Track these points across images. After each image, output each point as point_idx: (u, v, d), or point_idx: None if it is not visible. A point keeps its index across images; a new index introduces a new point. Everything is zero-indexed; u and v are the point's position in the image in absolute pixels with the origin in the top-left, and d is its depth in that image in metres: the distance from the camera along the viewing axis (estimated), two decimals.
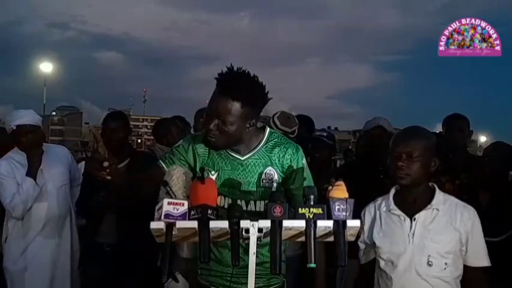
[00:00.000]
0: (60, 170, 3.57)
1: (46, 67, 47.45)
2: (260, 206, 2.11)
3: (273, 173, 2.13)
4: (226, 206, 2.10)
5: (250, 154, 2.14)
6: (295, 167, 2.15)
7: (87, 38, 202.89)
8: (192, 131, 4.41)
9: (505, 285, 2.69)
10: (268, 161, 2.14)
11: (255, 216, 1.82)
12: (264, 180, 2.12)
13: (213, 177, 2.10)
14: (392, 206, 2.19)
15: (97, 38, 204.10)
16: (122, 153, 3.50)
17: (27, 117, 3.48)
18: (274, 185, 2.13)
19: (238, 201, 2.10)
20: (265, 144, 2.16)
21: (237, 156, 2.14)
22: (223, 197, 2.12)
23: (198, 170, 2.10)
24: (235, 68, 2.03)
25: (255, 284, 2.04)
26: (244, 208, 2.09)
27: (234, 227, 1.68)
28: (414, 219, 2.13)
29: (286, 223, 1.67)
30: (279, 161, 2.14)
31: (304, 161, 2.18)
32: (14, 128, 3.43)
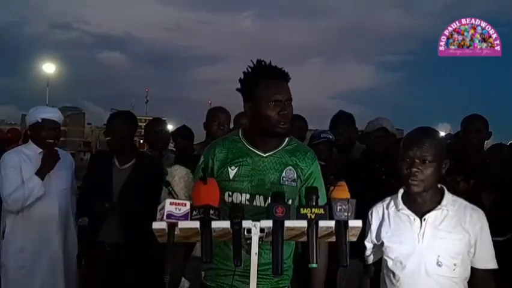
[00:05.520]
0: (65, 173, 3.59)
1: (49, 68, 47.37)
2: None
3: (293, 173, 2.19)
4: (243, 202, 2.14)
5: (271, 153, 2.21)
6: (312, 171, 2.24)
7: (89, 39, 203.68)
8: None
9: (509, 285, 2.69)
10: (289, 161, 2.20)
11: None
12: (284, 178, 2.17)
13: (232, 173, 2.18)
14: (401, 205, 2.17)
15: (100, 39, 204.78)
16: (128, 154, 3.49)
17: (55, 113, 3.55)
18: (294, 184, 2.18)
19: (257, 197, 2.14)
20: (286, 146, 2.24)
21: (259, 152, 2.20)
22: (239, 194, 2.17)
23: (215, 172, 2.19)
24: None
25: (263, 285, 2.09)
26: (263, 204, 2.12)
27: (236, 227, 1.68)
28: (424, 219, 2.11)
29: (288, 223, 1.68)
30: (298, 163, 2.21)
31: (318, 166, 2.29)
32: (40, 121, 3.45)
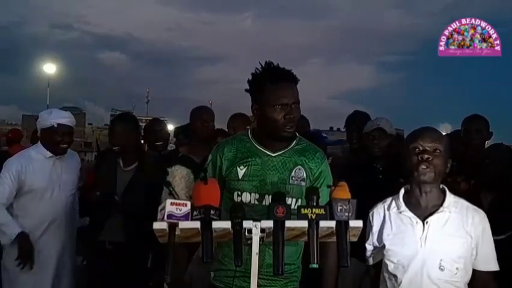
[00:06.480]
0: (72, 177, 3.60)
1: (49, 68, 47.36)
2: (289, 203, 2.10)
3: (303, 173, 2.19)
4: (253, 202, 2.15)
5: (280, 152, 2.20)
6: (322, 171, 2.23)
7: (90, 39, 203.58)
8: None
9: (509, 284, 2.69)
10: (298, 161, 2.20)
11: None
12: (293, 178, 2.17)
13: (241, 173, 2.18)
14: (403, 207, 2.15)
15: (100, 39, 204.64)
16: (132, 155, 3.48)
17: (69, 118, 3.52)
18: (303, 183, 2.17)
19: (266, 197, 2.13)
20: (295, 146, 2.23)
21: (268, 152, 2.20)
22: (248, 193, 2.17)
23: (224, 172, 2.20)
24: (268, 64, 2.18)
25: (272, 286, 2.11)
26: None
27: (237, 227, 1.68)
28: (427, 223, 2.09)
29: (289, 223, 1.67)
30: (308, 163, 2.21)
31: (328, 166, 2.28)
32: (55, 126, 3.41)
